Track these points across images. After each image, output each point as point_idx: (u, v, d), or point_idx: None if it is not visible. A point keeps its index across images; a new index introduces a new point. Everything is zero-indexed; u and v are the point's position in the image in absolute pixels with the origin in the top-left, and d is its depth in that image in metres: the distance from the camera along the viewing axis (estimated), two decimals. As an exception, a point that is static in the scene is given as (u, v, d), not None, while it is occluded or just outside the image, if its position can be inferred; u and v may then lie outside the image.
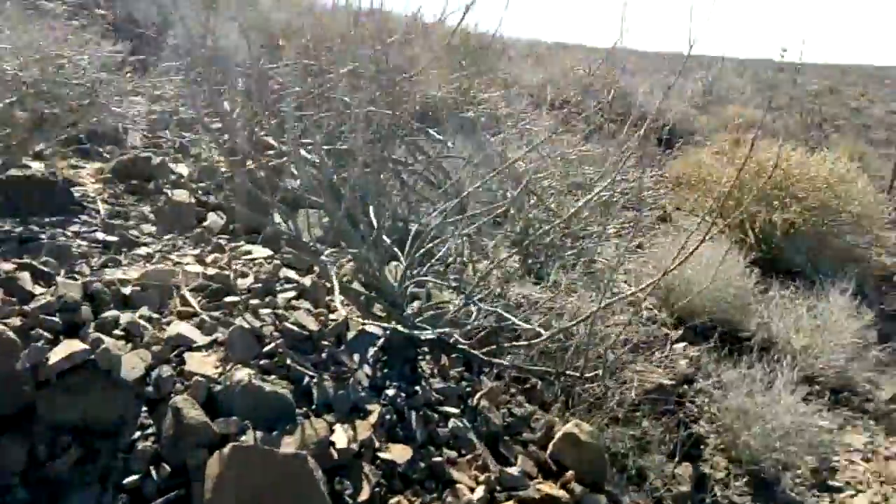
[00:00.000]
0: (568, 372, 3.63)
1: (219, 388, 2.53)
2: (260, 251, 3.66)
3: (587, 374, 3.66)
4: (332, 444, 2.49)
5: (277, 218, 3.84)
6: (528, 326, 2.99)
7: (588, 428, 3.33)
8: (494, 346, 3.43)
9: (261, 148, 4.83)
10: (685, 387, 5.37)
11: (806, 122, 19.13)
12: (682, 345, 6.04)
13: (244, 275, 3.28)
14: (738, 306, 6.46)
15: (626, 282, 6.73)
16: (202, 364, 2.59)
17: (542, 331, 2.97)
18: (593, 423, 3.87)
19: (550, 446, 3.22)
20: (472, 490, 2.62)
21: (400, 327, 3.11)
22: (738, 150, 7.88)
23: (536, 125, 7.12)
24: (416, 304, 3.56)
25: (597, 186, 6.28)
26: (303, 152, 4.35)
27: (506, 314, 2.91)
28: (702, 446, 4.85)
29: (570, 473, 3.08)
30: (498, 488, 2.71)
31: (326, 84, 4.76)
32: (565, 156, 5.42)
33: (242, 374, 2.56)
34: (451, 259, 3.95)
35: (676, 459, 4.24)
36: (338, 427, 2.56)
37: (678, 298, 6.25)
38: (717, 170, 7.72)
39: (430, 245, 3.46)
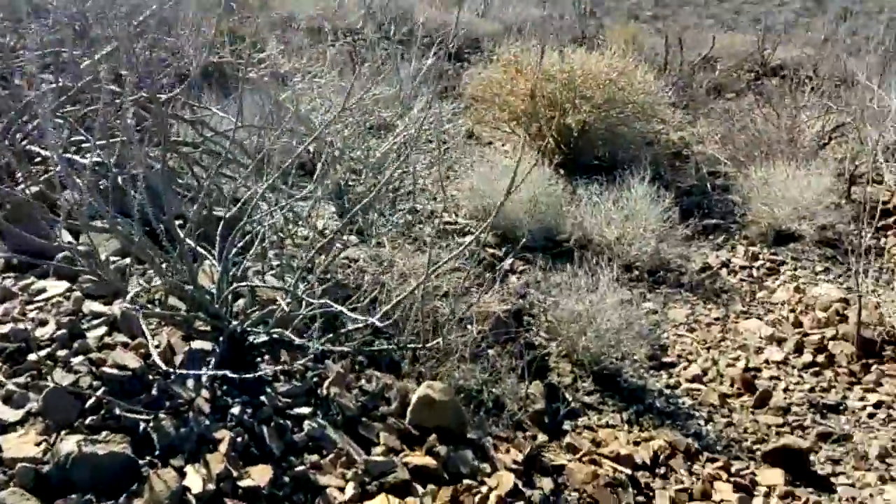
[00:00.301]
0: (410, 344, 3.65)
1: (48, 467, 2.29)
2: (54, 286, 3.29)
3: (428, 338, 3.69)
4: (187, 489, 2.35)
5: (67, 238, 3.49)
6: (356, 317, 2.92)
7: (440, 385, 3.37)
8: (332, 335, 3.35)
9: (26, 158, 4.34)
10: (521, 302, 5.60)
11: (579, 11, 19.84)
12: (509, 261, 6.26)
13: (43, 322, 2.95)
14: (552, 212, 6.75)
15: (445, 210, 6.85)
16: (21, 446, 2.33)
17: (374, 320, 2.91)
18: (444, 375, 3.94)
19: (408, 414, 3.24)
20: (341, 490, 2.59)
21: (227, 338, 2.95)
22: (525, 59, 8.05)
23: (322, 68, 6.89)
24: (241, 302, 3.39)
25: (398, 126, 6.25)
26: (77, 157, 3.96)
27: (332, 306, 2.82)
28: (546, 357, 5.10)
29: (432, 437, 3.13)
30: (367, 479, 2.69)
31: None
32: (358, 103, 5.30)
33: (70, 443, 2.33)
34: (268, 238, 3.77)
35: (527, 380, 4.42)
36: (189, 469, 2.41)
37: (497, 221, 6.43)
38: (508, 83, 7.89)
39: (242, 229, 3.27)
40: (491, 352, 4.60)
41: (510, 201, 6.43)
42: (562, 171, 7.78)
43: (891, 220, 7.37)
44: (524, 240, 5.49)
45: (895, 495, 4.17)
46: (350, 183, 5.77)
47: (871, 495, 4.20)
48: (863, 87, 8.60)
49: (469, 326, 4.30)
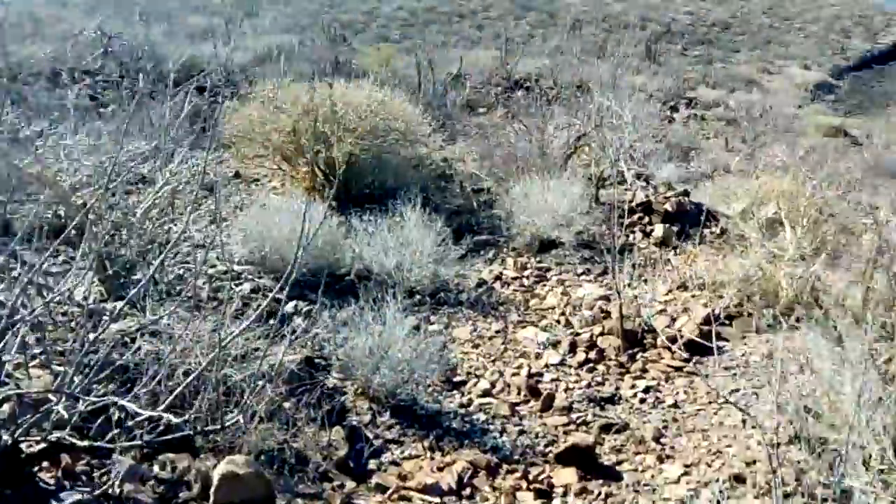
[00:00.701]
0: (205, 427, 3.47)
1: None
2: None
3: (223, 412, 3.53)
4: None
5: None
6: (139, 411, 2.73)
7: (241, 458, 3.25)
8: (117, 428, 3.10)
9: None
10: (309, 344, 5.53)
11: (330, 35, 20.02)
12: (292, 304, 6.16)
13: None
14: (329, 247, 6.74)
15: (219, 258, 6.60)
16: None
17: (160, 412, 2.73)
18: (242, 444, 3.79)
19: (212, 495, 3.09)
20: None
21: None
22: (283, 94, 7.99)
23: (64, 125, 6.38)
24: (6, 408, 3.03)
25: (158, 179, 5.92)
26: None
27: (112, 399, 2.61)
28: (343, 399, 5.08)
29: (240, 513, 3.01)
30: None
31: None
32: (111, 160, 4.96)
33: None
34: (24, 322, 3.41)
35: (327, 428, 4.38)
36: None
37: (275, 263, 6.32)
38: (268, 120, 7.79)
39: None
40: (287, 405, 4.51)
41: (284, 240, 6.39)
42: (334, 205, 7.80)
43: (636, 217, 8.22)
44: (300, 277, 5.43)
45: (673, 472, 4.63)
46: (112, 246, 5.38)
47: (652, 476, 4.63)
48: (598, 96, 9.49)
49: (262, 384, 4.18)
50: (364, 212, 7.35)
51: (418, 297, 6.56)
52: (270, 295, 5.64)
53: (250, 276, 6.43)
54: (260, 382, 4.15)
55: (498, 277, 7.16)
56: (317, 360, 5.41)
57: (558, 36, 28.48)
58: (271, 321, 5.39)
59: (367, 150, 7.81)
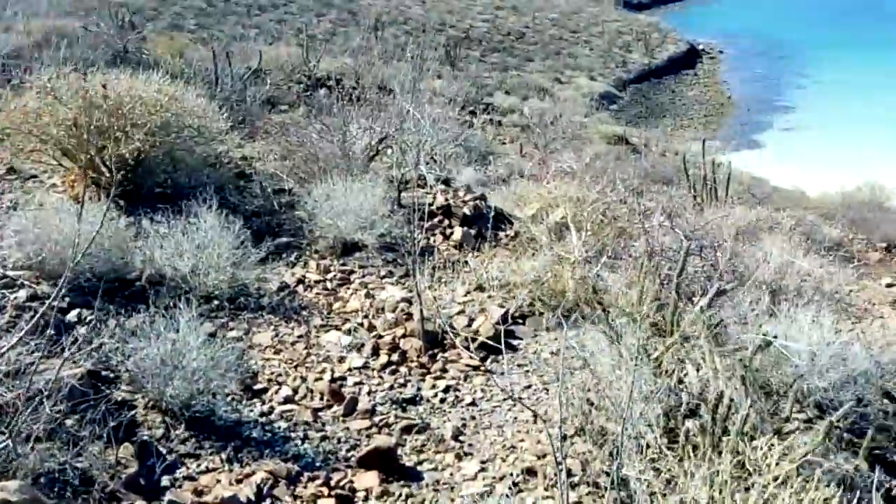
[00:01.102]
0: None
1: None
2: None
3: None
4: None
5: None
6: None
7: (15, 484, 2.97)
8: None
9: None
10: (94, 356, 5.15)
11: (118, 21, 18.74)
12: (75, 312, 5.72)
13: None
14: (117, 250, 6.32)
15: None
16: None
17: None
18: (17, 469, 3.46)
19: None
20: None
21: None
22: (63, 85, 7.34)
23: None
24: None
25: None
26: None
27: None
28: (131, 412, 4.78)
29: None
30: None
31: None
32: None
33: None
34: None
35: (115, 445, 4.11)
36: None
37: (55, 268, 5.81)
38: (46, 113, 7.13)
39: None
40: (70, 422, 4.18)
41: (65, 243, 5.89)
42: (122, 204, 7.31)
43: (437, 220, 8.42)
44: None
45: (470, 469, 4.80)
46: None
47: (451, 474, 4.77)
48: (400, 98, 9.62)
49: (39, 401, 3.83)
50: (156, 212, 6.95)
51: (216, 302, 6.31)
52: (47, 303, 5.20)
53: (27, 283, 5.87)
54: (36, 399, 3.82)
55: (300, 281, 7.05)
56: (103, 373, 5.05)
57: (360, 35, 28.54)
58: (49, 331, 4.98)
59: (158, 147, 7.38)
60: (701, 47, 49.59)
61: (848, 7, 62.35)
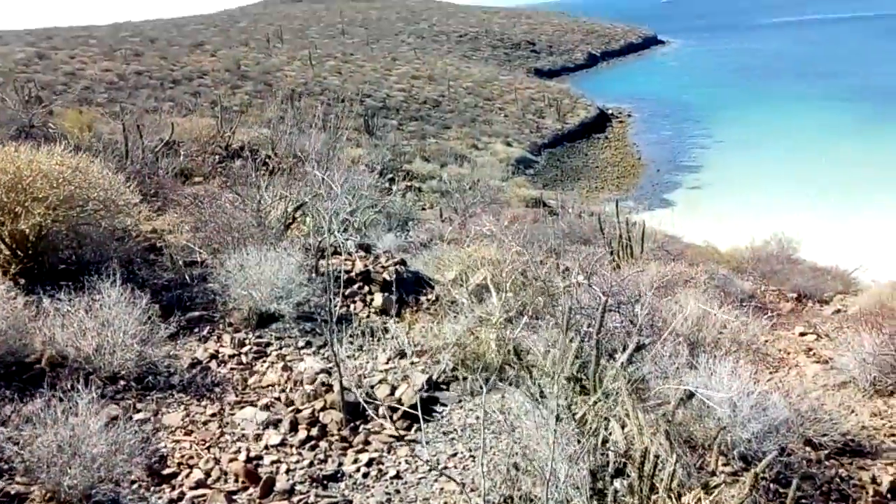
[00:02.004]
0: None
1: None
2: None
3: None
4: None
5: None
6: None
7: None
8: None
9: None
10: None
11: (24, 96, 18.20)
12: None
13: None
14: (14, 332, 5.94)
15: None
16: None
17: None
18: None
19: None
20: None
21: None
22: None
23: None
24: None
25: None
26: None
27: None
28: (26, 507, 4.41)
29: None
30: None
31: None
32: None
33: None
34: None
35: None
36: None
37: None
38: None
39: None
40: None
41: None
42: (22, 282, 6.92)
43: (356, 286, 8.26)
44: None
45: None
46: None
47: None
48: (315, 168, 9.52)
49: None
50: (59, 290, 6.58)
51: (122, 382, 5.96)
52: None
53: None
54: None
55: (214, 356, 6.75)
56: (-5, 466, 4.66)
57: (276, 106, 28.54)
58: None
59: (60, 222, 7.05)
60: (610, 112, 51.60)
61: (740, 66, 66.45)
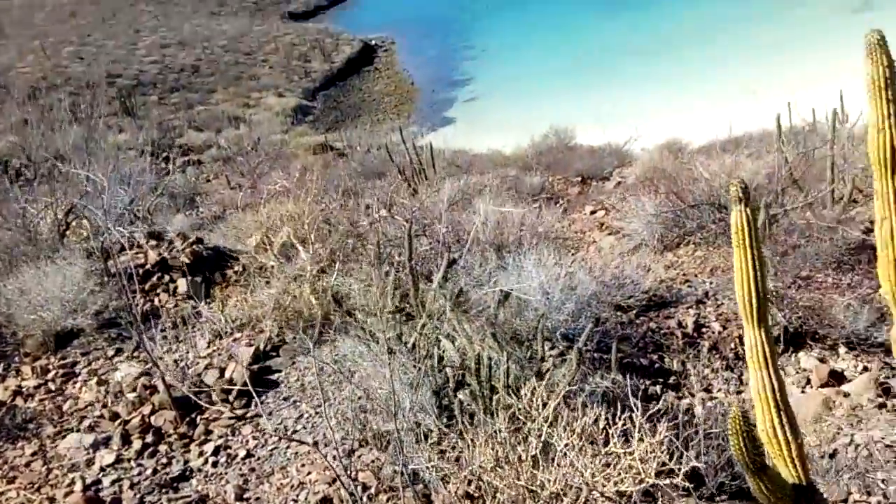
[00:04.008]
0: None
1: None
2: None
3: None
4: None
5: None
6: None
7: None
8: None
9: None
10: None
11: None
12: None
13: None
14: None
15: None
16: None
17: None
18: None
19: None
20: None
21: None
22: None
23: None
24: None
25: None
26: None
27: None
28: None
29: None
30: None
31: None
32: None
33: None
34: None
35: None
36: None
37: None
38: None
39: None
40: None
41: None
42: None
43: (155, 278, 7.80)
44: None
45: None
46: None
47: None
48: (76, 166, 8.78)
49: None
50: None
51: None
52: None
53: None
54: None
55: (17, 392, 6.16)
56: None
57: (18, 108, 25.79)
58: None
59: None
60: (374, 43, 51.36)
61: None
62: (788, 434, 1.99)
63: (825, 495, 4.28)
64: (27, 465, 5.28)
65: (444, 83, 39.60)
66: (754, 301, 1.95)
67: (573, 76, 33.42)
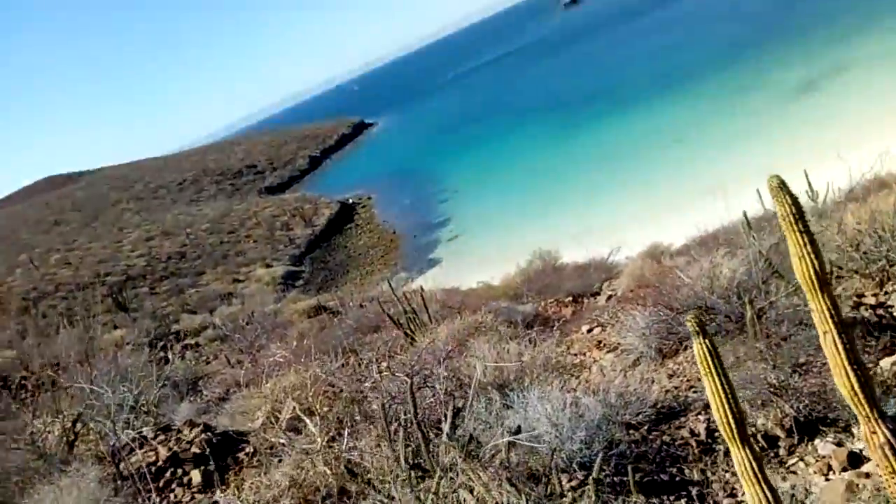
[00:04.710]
0: None
1: None
2: None
3: None
4: None
5: None
6: None
7: None
8: None
9: None
10: None
11: None
12: None
13: None
14: None
15: None
16: None
17: None
18: None
19: None
20: None
21: None
22: None
23: None
24: None
25: None
26: None
27: None
28: None
29: None
30: None
31: None
32: None
33: None
34: None
35: None
36: None
37: None
38: None
39: None
40: None
41: None
42: None
43: (168, 474, 7.78)
44: None
45: None
46: None
47: None
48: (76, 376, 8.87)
49: None
50: None
51: None
52: None
53: None
54: None
55: None
56: None
57: (12, 322, 26.20)
58: None
59: None
60: (351, 201, 53.11)
61: (436, 123, 71.95)
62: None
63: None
64: None
65: (424, 227, 40.68)
66: (732, 422, 2.08)
67: (546, 198, 34.48)
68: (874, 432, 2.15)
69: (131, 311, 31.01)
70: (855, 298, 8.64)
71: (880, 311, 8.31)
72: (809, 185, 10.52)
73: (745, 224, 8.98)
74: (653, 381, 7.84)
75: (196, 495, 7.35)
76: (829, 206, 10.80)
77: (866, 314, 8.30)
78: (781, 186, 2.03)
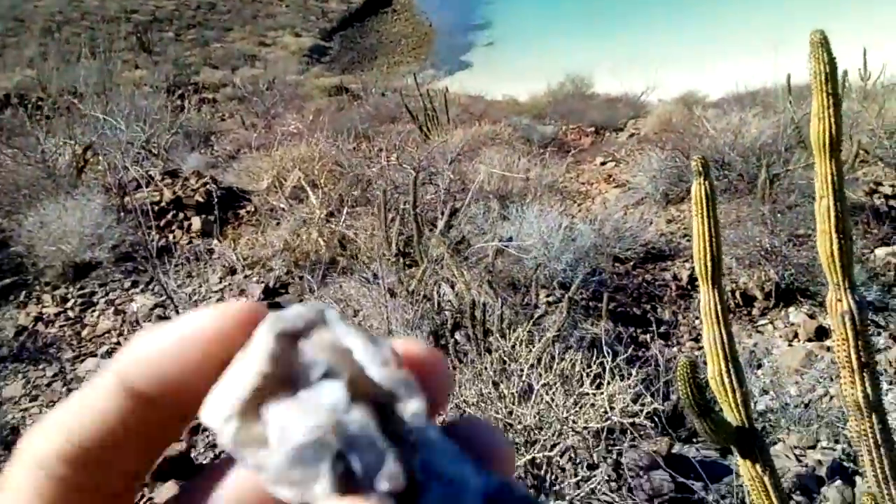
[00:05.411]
0: None
1: None
2: None
3: None
4: None
5: None
6: None
7: None
8: None
9: None
10: None
11: None
12: None
13: None
14: None
15: None
16: None
17: None
18: None
19: None
20: None
21: None
22: None
23: None
24: None
25: None
26: None
27: None
28: None
29: None
30: None
31: None
32: None
33: None
34: None
35: None
36: None
37: None
38: None
39: None
40: None
41: None
42: None
43: (170, 215, 8.07)
44: None
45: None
46: None
47: None
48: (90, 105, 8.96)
49: None
50: None
51: (-54, 367, 5.67)
52: None
53: None
54: None
55: (38, 318, 6.48)
56: None
57: (35, 42, 25.90)
58: None
59: None
60: (393, -18, 50.73)
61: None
62: (735, 382, 2.20)
63: (795, 442, 4.55)
64: (48, 385, 5.62)
65: (461, 27, 39.23)
66: (709, 264, 2.14)
67: (593, 22, 33.06)
68: (840, 300, 2.22)
69: (153, 54, 30.61)
70: (872, 185, 8.57)
71: (893, 203, 8.28)
72: (865, 62, 10.07)
73: (785, 88, 8.70)
74: (651, 223, 7.95)
75: (194, 240, 7.67)
76: (878, 89, 10.39)
77: (878, 202, 8.28)
78: (822, 43, 1.95)
